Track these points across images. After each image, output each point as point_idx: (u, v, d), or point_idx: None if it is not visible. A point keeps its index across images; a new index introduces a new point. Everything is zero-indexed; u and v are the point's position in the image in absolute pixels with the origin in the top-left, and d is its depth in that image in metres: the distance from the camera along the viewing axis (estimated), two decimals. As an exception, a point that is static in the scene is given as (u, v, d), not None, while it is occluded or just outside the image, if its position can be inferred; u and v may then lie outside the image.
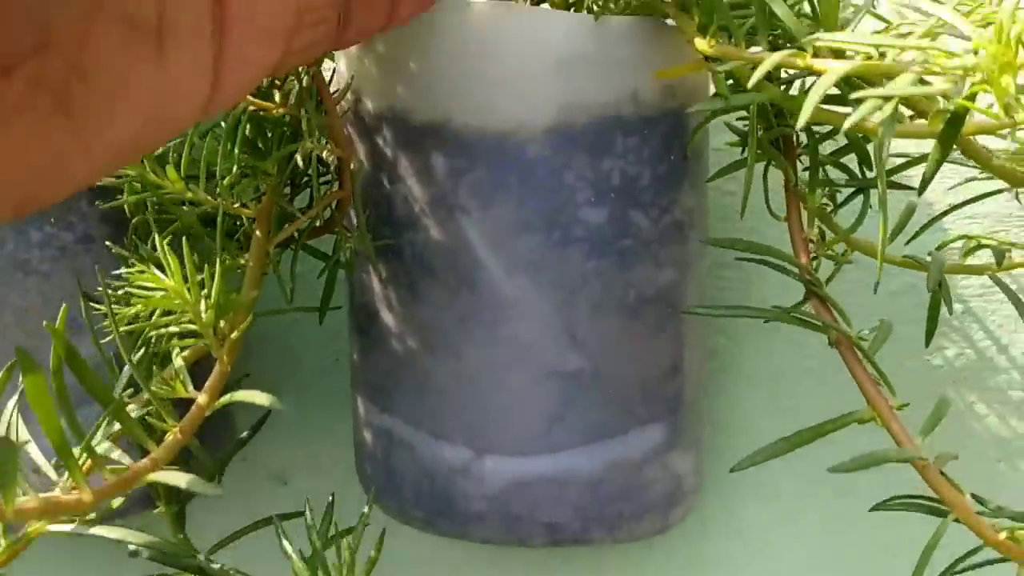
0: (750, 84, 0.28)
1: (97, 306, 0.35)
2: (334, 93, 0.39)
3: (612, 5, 0.36)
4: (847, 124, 0.25)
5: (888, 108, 0.25)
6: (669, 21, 0.35)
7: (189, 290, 0.30)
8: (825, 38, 0.29)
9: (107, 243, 0.39)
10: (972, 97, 0.25)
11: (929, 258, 0.39)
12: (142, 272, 0.30)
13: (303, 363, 0.57)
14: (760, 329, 0.52)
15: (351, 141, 0.41)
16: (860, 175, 0.37)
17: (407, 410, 0.43)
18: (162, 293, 0.30)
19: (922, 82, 0.26)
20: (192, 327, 0.31)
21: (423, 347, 0.41)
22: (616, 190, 0.38)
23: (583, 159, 0.37)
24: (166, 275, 0.30)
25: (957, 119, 0.26)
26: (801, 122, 0.26)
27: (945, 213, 0.40)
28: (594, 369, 0.41)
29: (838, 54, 0.29)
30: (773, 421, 0.55)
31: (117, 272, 0.39)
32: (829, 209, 0.39)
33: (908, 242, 0.41)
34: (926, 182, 0.28)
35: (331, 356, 0.56)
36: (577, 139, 0.37)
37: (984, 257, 0.42)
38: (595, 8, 0.35)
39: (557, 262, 0.39)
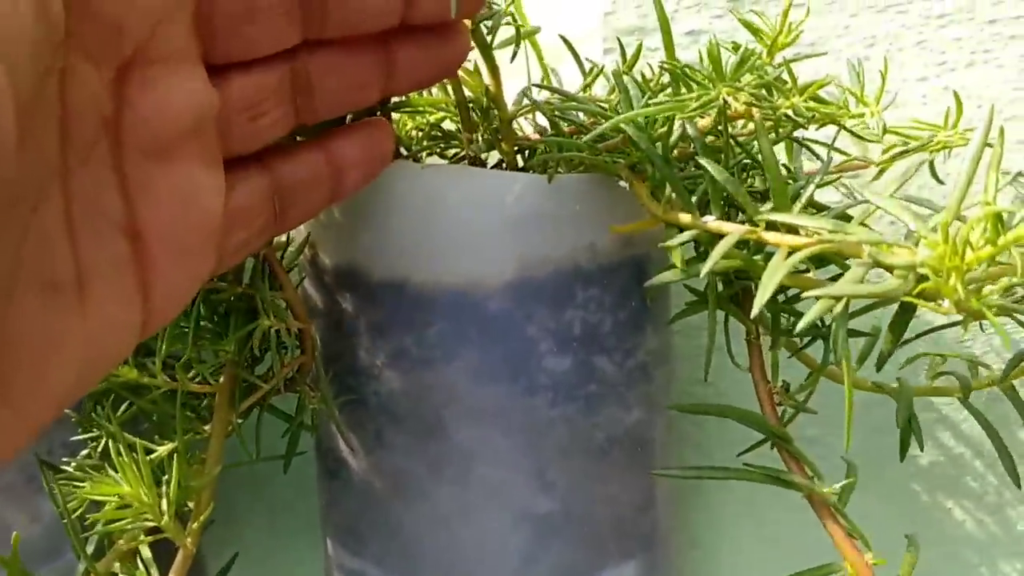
0: (707, 265, 0.28)
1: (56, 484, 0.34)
2: (290, 248, 0.38)
3: (565, 165, 0.36)
4: (800, 326, 0.25)
5: (840, 306, 0.25)
6: (622, 183, 0.35)
7: (146, 492, 0.30)
8: (777, 216, 0.29)
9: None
10: (921, 293, 0.25)
11: (896, 383, 0.39)
12: (98, 483, 0.30)
13: (273, 492, 0.56)
14: (739, 446, 0.52)
15: (308, 294, 0.40)
16: (821, 322, 0.37)
17: (379, 554, 0.42)
18: (121, 498, 0.29)
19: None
20: (152, 523, 0.31)
21: (393, 492, 0.41)
22: (579, 339, 0.38)
23: (544, 311, 0.37)
24: (118, 474, 0.30)
25: (908, 309, 0.26)
26: (755, 311, 0.26)
27: (909, 340, 0.40)
28: (565, 510, 0.40)
29: (792, 229, 0.29)
30: (754, 537, 0.55)
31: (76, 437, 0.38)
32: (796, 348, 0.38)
33: (879, 369, 0.41)
34: (883, 360, 0.28)
35: (303, 485, 0.56)
36: (537, 292, 0.37)
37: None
38: (549, 167, 0.35)
39: (523, 409, 0.39)
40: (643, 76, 0.36)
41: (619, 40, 0.41)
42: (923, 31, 0.50)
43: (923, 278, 0.24)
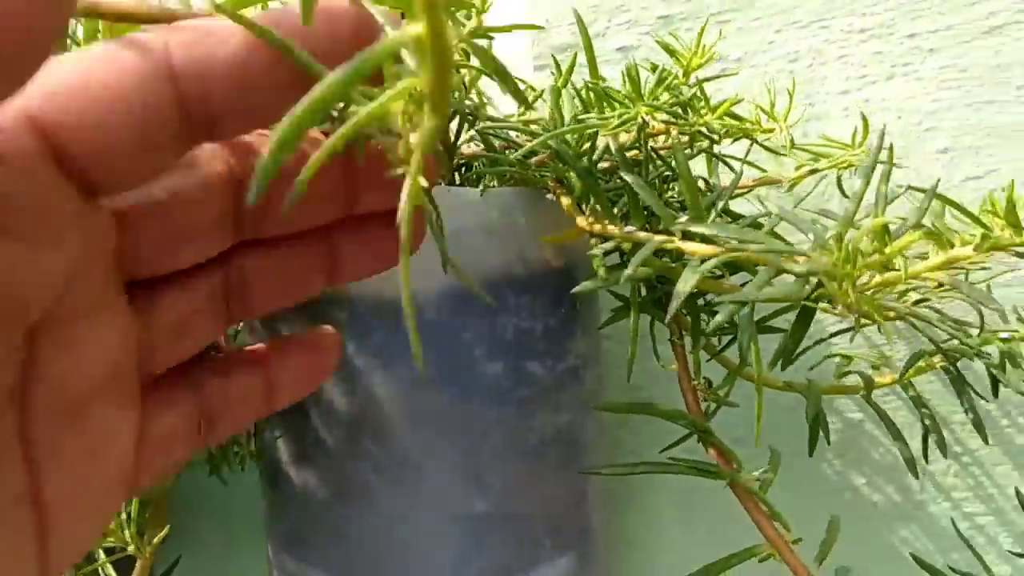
0: (628, 271, 0.30)
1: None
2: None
3: (497, 179, 0.37)
4: (711, 327, 0.27)
5: (746, 309, 0.27)
6: (551, 196, 0.37)
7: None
8: (691, 226, 0.31)
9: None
10: (818, 299, 0.27)
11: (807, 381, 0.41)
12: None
13: (221, 497, 0.57)
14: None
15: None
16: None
17: (322, 558, 0.43)
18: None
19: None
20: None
21: (334, 497, 0.42)
22: (511, 344, 0.40)
23: (478, 318, 0.39)
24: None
25: (808, 312, 0.28)
26: (669, 316, 0.28)
27: (818, 342, 0.42)
28: (501, 510, 0.42)
29: (707, 238, 0.31)
30: (685, 537, 0.57)
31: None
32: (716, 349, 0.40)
33: (784, 368, 0.42)
34: (787, 358, 0.30)
35: (251, 490, 0.57)
36: (471, 300, 0.39)
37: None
38: (482, 182, 0.36)
39: (459, 414, 0.40)
40: (577, 91, 0.37)
41: (554, 57, 0.42)
42: (844, 46, 0.52)
43: (821, 283, 0.26)
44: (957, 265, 0.29)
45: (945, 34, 0.52)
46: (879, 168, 0.29)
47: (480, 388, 0.40)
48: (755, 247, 0.28)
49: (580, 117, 0.35)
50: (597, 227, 0.34)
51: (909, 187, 0.32)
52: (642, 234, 0.32)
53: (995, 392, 0.43)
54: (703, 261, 0.30)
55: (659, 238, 0.31)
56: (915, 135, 0.51)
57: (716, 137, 0.34)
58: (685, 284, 0.29)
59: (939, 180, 0.50)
